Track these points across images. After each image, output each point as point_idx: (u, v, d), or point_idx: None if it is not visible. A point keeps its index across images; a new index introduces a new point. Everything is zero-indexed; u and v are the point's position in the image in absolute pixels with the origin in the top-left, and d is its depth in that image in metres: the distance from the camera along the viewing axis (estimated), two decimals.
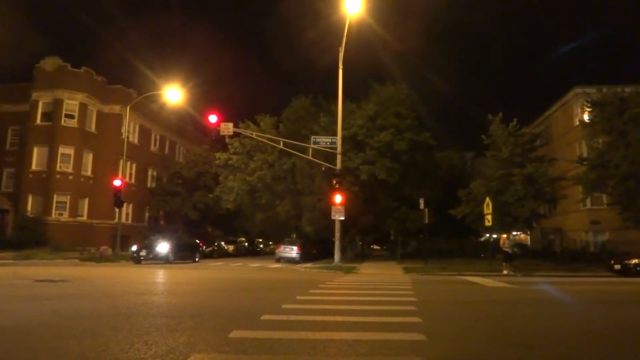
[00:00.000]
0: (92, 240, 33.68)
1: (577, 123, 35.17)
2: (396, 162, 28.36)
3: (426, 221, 22.89)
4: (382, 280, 13.50)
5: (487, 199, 21.03)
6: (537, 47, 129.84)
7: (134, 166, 40.99)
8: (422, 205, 22.86)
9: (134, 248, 24.49)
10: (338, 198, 22.52)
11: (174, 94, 29.85)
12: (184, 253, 25.99)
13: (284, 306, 7.10)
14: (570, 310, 7.89)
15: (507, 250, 19.72)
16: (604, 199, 32.14)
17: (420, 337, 4.97)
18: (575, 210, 32.77)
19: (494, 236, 42.30)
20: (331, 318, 6.18)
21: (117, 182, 27.49)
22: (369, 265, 24.71)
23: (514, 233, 37.16)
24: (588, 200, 31.58)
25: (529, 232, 33.67)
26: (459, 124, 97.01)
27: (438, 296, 9.73)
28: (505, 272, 18.77)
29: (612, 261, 19.67)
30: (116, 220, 30.81)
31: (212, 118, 23.98)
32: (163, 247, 24.32)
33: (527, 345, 4.75)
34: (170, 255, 24.20)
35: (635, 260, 18.79)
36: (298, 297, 8.25)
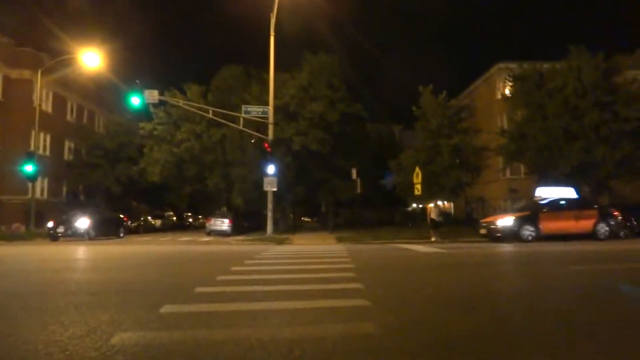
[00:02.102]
0: (3, 218, 31.01)
1: (499, 97, 36.86)
2: (328, 133, 28.31)
3: (359, 191, 23.10)
4: (317, 250, 13.41)
5: (417, 169, 21.54)
6: (465, 20, 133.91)
7: (48, 137, 37.90)
8: (354, 176, 23.01)
9: (50, 224, 22.79)
10: (270, 169, 22.11)
11: (91, 58, 27.62)
12: (107, 229, 24.58)
13: (219, 278, 6.72)
14: (493, 271, 8.15)
15: (435, 218, 20.48)
16: (522, 168, 34.26)
17: (365, 302, 4.82)
18: (495, 179, 34.58)
19: (420, 205, 44.16)
20: (270, 288, 5.91)
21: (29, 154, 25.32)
22: (302, 236, 24.67)
23: (439, 202, 38.81)
24: (508, 171, 33.48)
25: (452, 202, 35.15)
26: (388, 95, 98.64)
27: (375, 263, 9.74)
28: (433, 238, 19.50)
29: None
30: (29, 195, 28.50)
31: (135, 100, 22.46)
32: (83, 222, 22.86)
33: (466, 307, 4.74)
34: (91, 230, 22.82)
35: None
36: (233, 268, 7.89)
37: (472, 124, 26.64)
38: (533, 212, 17.77)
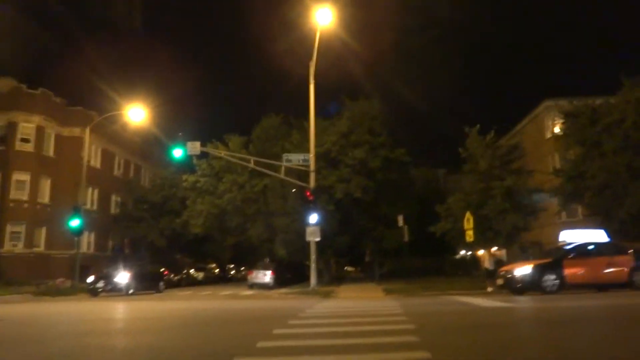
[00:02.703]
0: (50, 273, 31.35)
1: (549, 136, 35.29)
2: (371, 179, 27.54)
3: (406, 239, 21.91)
4: (367, 305, 12.32)
5: (468, 214, 20.27)
6: (506, 60, 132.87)
7: (95, 192, 38.93)
8: (401, 223, 21.93)
9: (91, 279, 22.58)
10: (313, 218, 21.36)
11: (136, 114, 28.37)
12: (147, 283, 24.26)
13: (259, 344, 5.83)
14: (575, 330, 6.89)
15: (489, 267, 18.99)
16: (579, 211, 32.10)
17: None
18: (550, 223, 32.48)
19: (470, 253, 41.96)
20: (320, 359, 4.98)
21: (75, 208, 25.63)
22: (348, 288, 23.48)
23: (493, 249, 36.77)
24: (564, 214, 31.42)
25: (505, 248, 33.13)
26: (431, 139, 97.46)
27: (435, 321, 8.58)
28: (489, 289, 17.97)
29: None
30: (78, 250, 28.78)
31: (177, 152, 22.61)
32: (122, 277, 22.58)
33: None
34: (131, 285, 22.45)
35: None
36: (275, 331, 6.98)
37: (522, 165, 25.22)
38: (556, 259, 15.65)
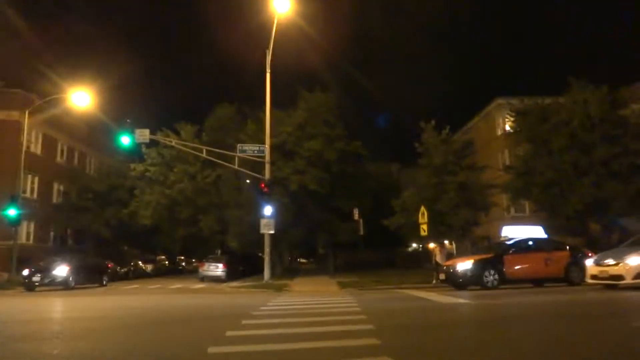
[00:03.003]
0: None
1: (500, 133, 36.24)
2: (326, 172, 27.33)
3: (362, 232, 21.84)
4: (323, 302, 12.01)
5: (422, 208, 20.39)
6: (462, 58, 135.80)
7: (36, 179, 36.65)
8: (356, 216, 21.83)
9: (26, 272, 20.94)
10: (268, 210, 20.92)
11: (81, 98, 26.78)
12: (89, 276, 22.85)
13: (211, 350, 5.38)
14: (531, 328, 6.85)
15: (439, 261, 19.13)
16: (527, 207, 33.19)
17: None
18: (499, 218, 33.43)
19: (421, 246, 42.67)
20: None
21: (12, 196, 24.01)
22: (302, 282, 23.19)
23: (445, 242, 37.51)
24: (512, 209, 32.40)
25: (453, 242, 33.83)
26: (385, 133, 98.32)
27: (394, 320, 8.37)
28: (434, 281, 18.20)
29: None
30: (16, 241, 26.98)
31: (125, 140, 21.54)
32: (61, 269, 21.07)
33: None
34: (70, 279, 21.00)
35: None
36: (228, 333, 6.54)
37: (474, 161, 25.70)
38: (497, 254, 15.75)
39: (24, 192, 34.64)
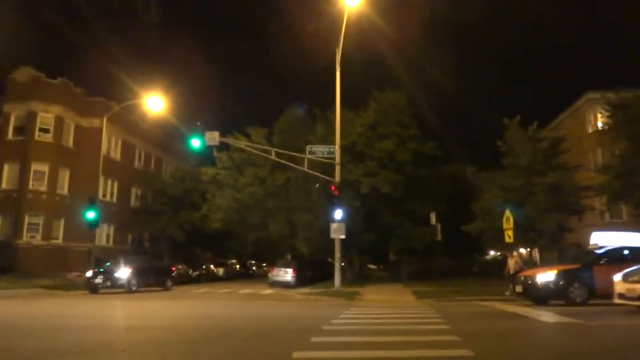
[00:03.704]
0: (69, 265, 30.66)
1: (591, 130, 33.05)
2: (399, 174, 25.93)
3: (439, 238, 20.27)
4: (401, 313, 10.81)
5: (507, 212, 18.44)
6: (542, 52, 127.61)
7: (115, 184, 38.24)
8: (433, 221, 20.31)
9: (89, 274, 20.80)
10: (338, 214, 19.93)
11: (155, 103, 27.30)
12: (152, 279, 22.55)
13: None
14: None
15: (511, 271, 17.06)
16: (623, 212, 29.84)
17: None
18: (592, 224, 30.33)
19: (498, 254, 39.81)
20: None
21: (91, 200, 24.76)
22: (373, 290, 21.97)
23: (521, 250, 34.59)
24: (607, 214, 29.27)
25: (536, 251, 31.00)
26: (462, 132, 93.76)
27: (493, 343, 6.99)
28: (506, 293, 16.32)
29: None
30: (94, 242, 27.99)
31: (195, 142, 21.47)
32: (123, 272, 20.66)
33: None
34: (132, 282, 20.66)
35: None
36: (295, 355, 5.56)
37: (565, 160, 23.19)
38: (585, 265, 13.54)
39: (104, 196, 36.22)
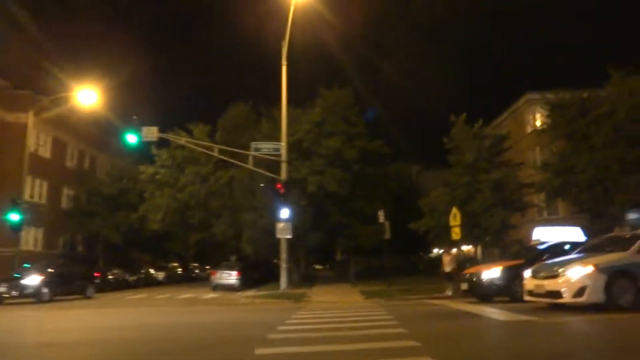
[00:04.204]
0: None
1: (530, 130, 34.11)
2: (347, 172, 25.57)
3: (388, 236, 19.97)
4: (352, 315, 10.23)
5: (454, 209, 18.41)
6: (483, 51, 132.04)
7: (44, 184, 35.52)
8: (381, 219, 19.96)
9: None
10: (284, 213, 19.21)
11: (87, 96, 25.40)
12: (70, 287, 20.01)
13: None
14: None
15: (447, 269, 16.87)
16: (559, 208, 30.98)
17: None
18: (531, 220, 31.28)
19: (441, 251, 40.34)
20: None
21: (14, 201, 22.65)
22: (321, 291, 21.38)
23: (462, 248, 35.20)
24: (545, 211, 30.26)
25: (479, 248, 31.63)
26: (407, 131, 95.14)
27: (457, 348, 6.47)
28: (448, 292, 16.13)
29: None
30: (20, 247, 25.74)
31: (131, 138, 20.02)
32: (32, 279, 17.99)
33: None
34: (43, 290, 17.98)
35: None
36: None
37: (509, 158, 23.61)
38: (528, 260, 13.12)
39: (32, 197, 33.53)
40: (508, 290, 12.96)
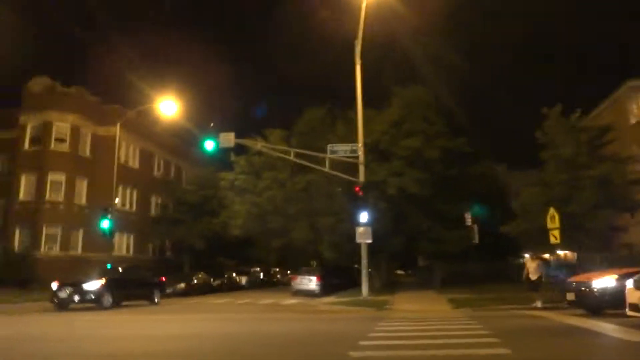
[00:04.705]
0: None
1: (633, 121, 30.72)
2: (427, 173, 24.24)
3: (476, 241, 18.52)
4: (442, 328, 9.25)
5: (552, 210, 16.59)
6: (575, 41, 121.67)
7: (134, 193, 37.49)
8: (469, 222, 18.56)
9: (54, 286, 17.33)
10: (363, 216, 18.44)
11: (169, 106, 26.31)
12: (135, 292, 19.52)
13: None
14: None
15: (533, 278, 14.79)
16: None
17: None
18: (636, 222, 28.02)
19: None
20: None
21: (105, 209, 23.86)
22: (404, 298, 20.32)
23: (558, 253, 32.21)
24: None
25: (576, 253, 28.65)
26: (494, 129, 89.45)
27: None
28: (538, 303, 14.21)
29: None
30: (114, 252, 27.19)
31: (209, 144, 20.22)
32: (92, 284, 17.31)
33: None
34: (105, 295, 17.33)
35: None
36: None
37: (613, 151, 21.08)
38: None
39: (123, 205, 35.46)
40: (624, 302, 11.24)
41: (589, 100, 36.25)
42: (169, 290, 27.55)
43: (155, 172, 41.07)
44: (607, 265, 16.44)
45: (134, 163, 37.67)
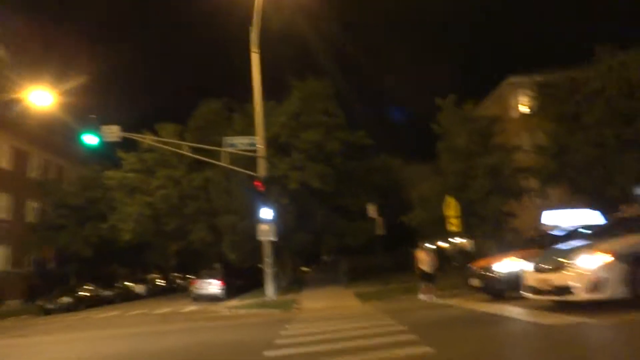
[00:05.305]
0: None
1: (514, 115, 33.06)
2: (329, 166, 23.99)
3: (382, 232, 18.45)
4: (355, 327, 8.64)
5: (448, 198, 16.98)
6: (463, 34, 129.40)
7: (5, 198, 33.16)
8: (373, 214, 18.43)
9: None
10: (265, 213, 17.54)
11: (41, 97, 23.13)
12: None
13: None
14: None
15: (425, 268, 14.41)
16: (550, 193, 29.90)
17: None
18: (524, 207, 30.13)
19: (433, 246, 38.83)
20: None
21: None
22: (312, 295, 19.78)
23: (454, 240, 33.86)
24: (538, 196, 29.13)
25: (472, 239, 30.23)
26: (388, 124, 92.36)
27: None
28: (421, 296, 13.97)
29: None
30: None
31: (91, 139, 17.97)
32: None
33: None
34: None
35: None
36: None
37: (503, 141, 22.28)
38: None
39: None
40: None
41: (481, 91, 38.38)
42: (51, 306, 24.77)
43: (32, 174, 36.70)
44: (502, 249, 16.86)
45: (7, 164, 33.33)
